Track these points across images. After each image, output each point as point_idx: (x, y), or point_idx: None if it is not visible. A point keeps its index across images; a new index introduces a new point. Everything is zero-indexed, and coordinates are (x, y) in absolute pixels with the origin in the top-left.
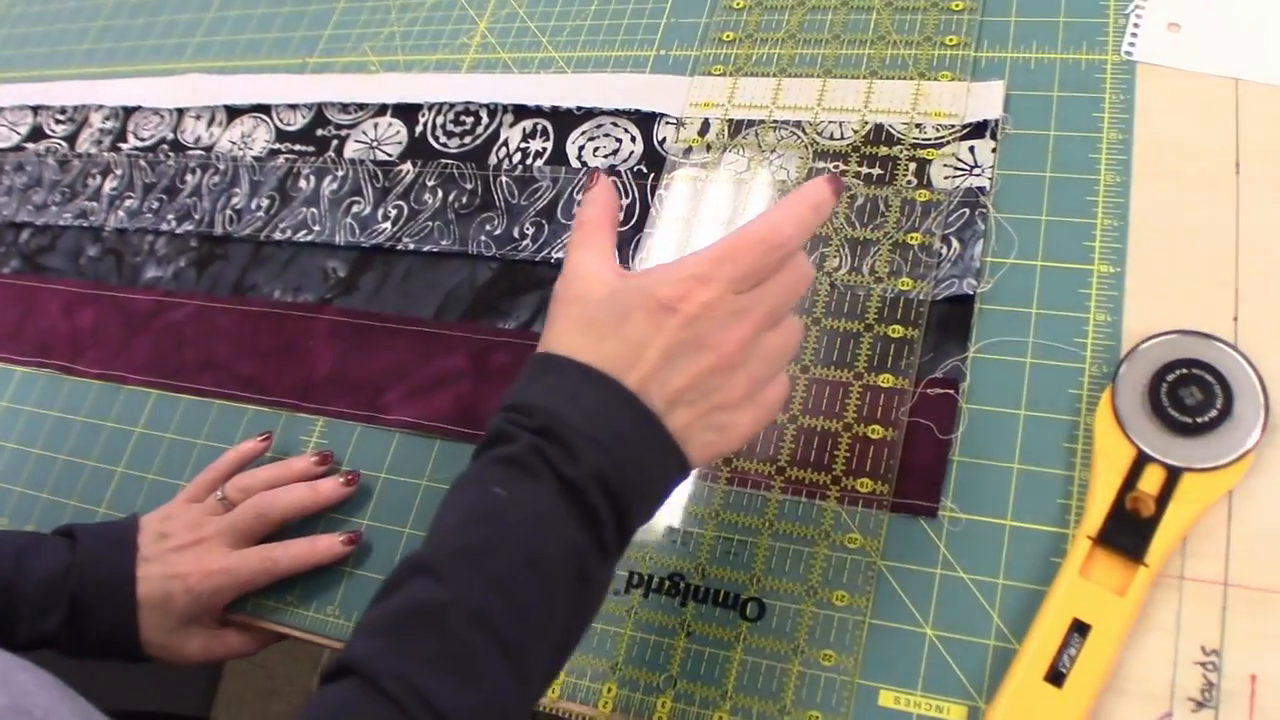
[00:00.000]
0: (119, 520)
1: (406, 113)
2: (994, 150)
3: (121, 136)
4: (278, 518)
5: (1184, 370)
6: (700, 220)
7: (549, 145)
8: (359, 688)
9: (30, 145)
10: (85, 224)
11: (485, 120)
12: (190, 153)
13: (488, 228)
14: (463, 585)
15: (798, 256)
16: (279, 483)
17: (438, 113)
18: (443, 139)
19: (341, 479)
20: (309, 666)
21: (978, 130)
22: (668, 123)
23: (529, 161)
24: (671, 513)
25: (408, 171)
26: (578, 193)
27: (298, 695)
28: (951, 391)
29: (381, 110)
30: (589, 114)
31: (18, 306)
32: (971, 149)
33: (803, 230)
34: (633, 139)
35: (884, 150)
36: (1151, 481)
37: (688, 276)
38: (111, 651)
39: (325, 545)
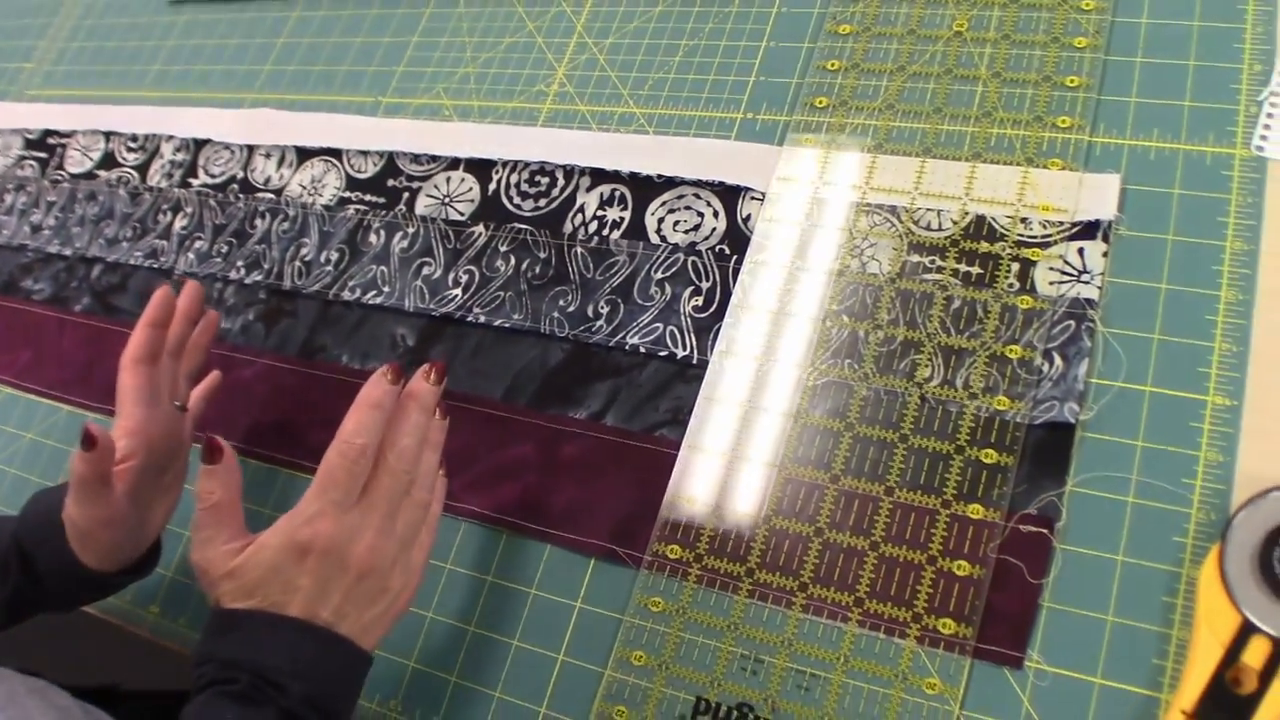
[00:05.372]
0: None
1: (480, 169)
2: (1105, 255)
3: (192, 171)
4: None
5: None
6: (786, 314)
7: (627, 215)
8: None
9: (102, 173)
10: (155, 264)
11: (561, 182)
12: (260, 195)
13: (560, 303)
14: None
15: (392, 449)
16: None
17: (512, 170)
18: (516, 200)
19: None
20: None
21: (1088, 230)
22: (753, 198)
23: (605, 232)
24: (740, 636)
25: (480, 234)
26: (655, 271)
27: None
28: (1045, 530)
29: (454, 164)
30: (670, 182)
31: (88, 349)
32: (1081, 251)
33: (373, 434)
34: (715, 214)
35: (985, 247)
36: (1256, 654)
37: (308, 519)
38: (58, 579)
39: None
